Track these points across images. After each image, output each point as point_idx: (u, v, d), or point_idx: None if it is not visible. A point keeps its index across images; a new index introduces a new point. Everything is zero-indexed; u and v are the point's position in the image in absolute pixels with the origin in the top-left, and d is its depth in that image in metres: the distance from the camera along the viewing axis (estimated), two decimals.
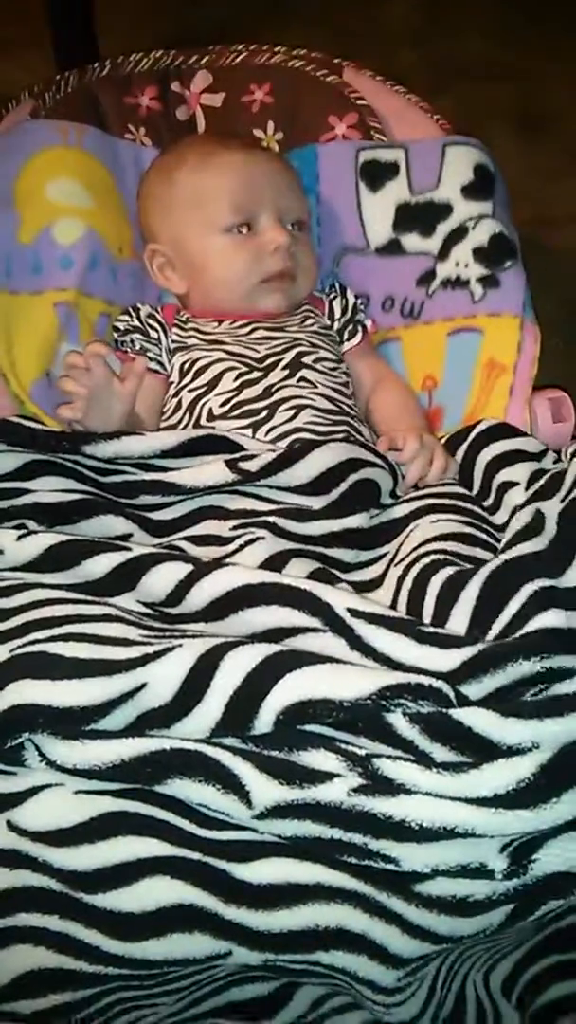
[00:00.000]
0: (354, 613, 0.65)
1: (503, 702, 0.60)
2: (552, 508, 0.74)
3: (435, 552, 0.75)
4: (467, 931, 0.57)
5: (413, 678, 0.59)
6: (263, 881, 0.57)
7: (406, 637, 0.63)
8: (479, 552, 0.77)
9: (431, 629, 0.65)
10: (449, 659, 0.62)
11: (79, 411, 0.89)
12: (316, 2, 1.88)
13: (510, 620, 0.65)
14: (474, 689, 0.61)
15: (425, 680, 0.59)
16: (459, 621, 0.68)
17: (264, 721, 0.58)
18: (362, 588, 0.78)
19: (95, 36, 1.50)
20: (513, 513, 0.80)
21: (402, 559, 0.77)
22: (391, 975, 0.58)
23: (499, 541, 0.79)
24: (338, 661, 0.61)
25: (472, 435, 0.91)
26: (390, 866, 0.56)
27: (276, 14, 1.81)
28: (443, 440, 0.94)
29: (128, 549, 0.71)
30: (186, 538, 0.80)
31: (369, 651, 0.63)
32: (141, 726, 0.58)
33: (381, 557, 0.81)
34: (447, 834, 0.55)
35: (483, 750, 0.57)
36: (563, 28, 1.80)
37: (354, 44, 1.69)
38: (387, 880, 0.57)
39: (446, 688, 0.59)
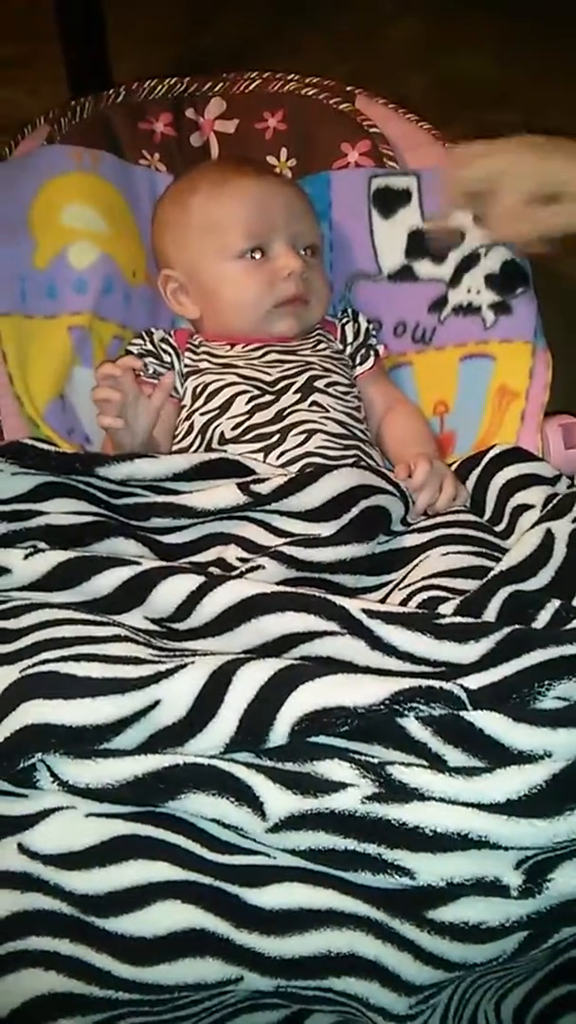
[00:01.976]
0: (370, 614, 0.65)
1: (517, 707, 0.59)
2: (563, 528, 0.74)
3: (442, 588, 0.75)
4: (480, 958, 0.57)
5: (425, 682, 0.59)
6: (275, 906, 0.56)
7: (425, 634, 0.63)
8: None
9: (449, 621, 0.65)
10: (472, 651, 0.62)
11: (115, 418, 0.90)
12: (324, 25, 1.88)
13: None
14: (494, 674, 0.61)
15: (436, 684, 0.59)
16: None
17: (279, 733, 0.57)
18: None
19: (108, 60, 1.51)
20: None
21: (407, 586, 0.77)
22: (403, 1002, 0.57)
23: None
24: (350, 672, 0.60)
25: (485, 459, 0.91)
26: (405, 879, 0.55)
27: (284, 38, 1.82)
28: (455, 465, 0.94)
29: (137, 564, 0.71)
30: (193, 563, 0.80)
31: (390, 650, 0.63)
32: (154, 745, 0.58)
33: (385, 584, 0.81)
34: (462, 842, 0.55)
35: (495, 754, 0.57)
36: (570, 47, 1.79)
37: (362, 67, 1.71)
38: (400, 905, 0.56)
39: (458, 690, 0.59)
